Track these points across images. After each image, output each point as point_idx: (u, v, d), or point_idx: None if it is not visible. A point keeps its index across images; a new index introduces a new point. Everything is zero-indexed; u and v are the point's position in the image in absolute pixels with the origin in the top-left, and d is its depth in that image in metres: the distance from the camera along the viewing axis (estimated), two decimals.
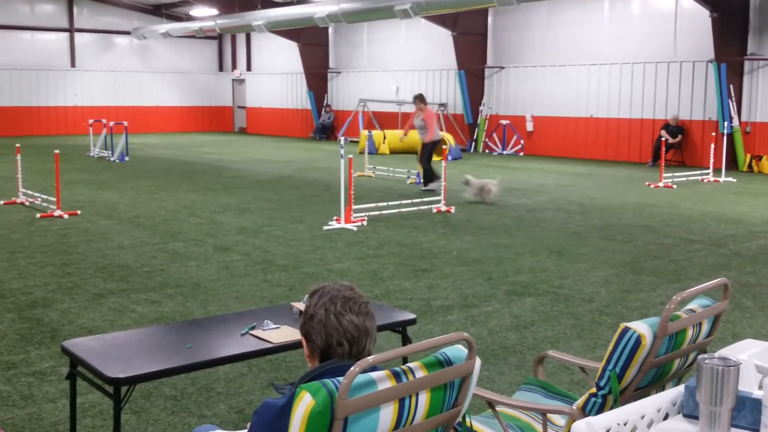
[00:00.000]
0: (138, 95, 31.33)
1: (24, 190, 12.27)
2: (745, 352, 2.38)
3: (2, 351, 5.32)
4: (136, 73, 31.38)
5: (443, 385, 2.25)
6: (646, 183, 15.20)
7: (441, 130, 23.42)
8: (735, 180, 15.78)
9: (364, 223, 10.32)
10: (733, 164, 17.71)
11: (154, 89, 31.78)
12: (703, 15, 17.77)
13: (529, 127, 22.47)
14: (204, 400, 4.51)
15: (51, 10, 29.44)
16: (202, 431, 2.75)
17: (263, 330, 3.80)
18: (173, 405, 4.44)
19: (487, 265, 8.00)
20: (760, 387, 2.21)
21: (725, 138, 16.64)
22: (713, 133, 17.29)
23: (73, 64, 29.95)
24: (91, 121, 22.87)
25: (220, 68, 34.08)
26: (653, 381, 2.91)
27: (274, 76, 31.34)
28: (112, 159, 19.45)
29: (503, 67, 23.05)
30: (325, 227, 10.02)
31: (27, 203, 11.90)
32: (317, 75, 28.78)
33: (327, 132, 28.28)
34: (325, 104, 28.77)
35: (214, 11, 27.82)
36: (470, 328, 5.88)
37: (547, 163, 19.85)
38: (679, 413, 2.23)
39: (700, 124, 18.92)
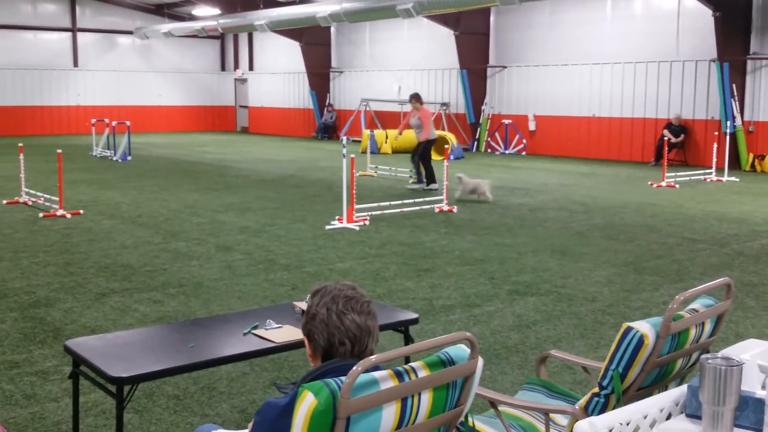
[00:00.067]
0: (140, 95, 31.36)
1: (27, 190, 12.28)
2: (748, 351, 2.38)
3: (5, 350, 5.32)
4: (139, 72, 31.40)
5: (446, 385, 2.25)
6: (649, 182, 15.18)
7: (443, 129, 23.55)
8: (738, 179, 15.76)
9: (367, 222, 10.32)
10: (735, 164, 17.69)
11: (156, 89, 31.80)
12: (706, 14, 17.75)
13: (532, 126, 22.46)
14: (206, 400, 4.51)
15: (53, 10, 29.47)
16: (204, 430, 2.75)
17: (265, 329, 3.80)
18: (176, 404, 4.45)
19: (489, 264, 8.00)
20: (763, 387, 2.21)
21: (728, 137, 16.62)
22: (716, 133, 17.27)
23: (75, 64, 29.98)
24: (93, 120, 22.87)
25: (223, 68, 34.09)
26: (656, 381, 2.91)
27: (277, 75, 31.35)
28: (114, 158, 19.46)
29: (505, 67, 23.04)
30: (328, 227, 10.03)
31: (30, 203, 11.91)
32: (319, 74, 28.79)
33: (329, 131, 28.29)
34: (327, 104, 28.78)
35: (217, 11, 27.84)
36: (472, 328, 5.88)
37: (550, 162, 19.84)
38: (681, 413, 2.23)
39: (702, 123, 18.90)
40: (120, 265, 7.88)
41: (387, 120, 26.30)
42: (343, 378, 2.01)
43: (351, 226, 10.02)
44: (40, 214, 10.89)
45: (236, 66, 33.55)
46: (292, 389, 2.18)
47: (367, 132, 22.11)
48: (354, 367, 2.00)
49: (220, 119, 33.73)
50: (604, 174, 16.97)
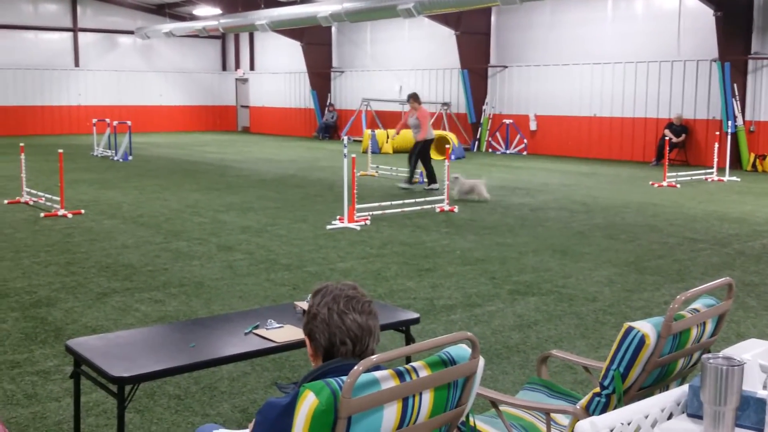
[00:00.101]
0: (141, 95, 31.37)
1: (28, 190, 12.29)
2: (750, 351, 2.38)
3: (6, 350, 5.33)
4: (140, 72, 31.41)
5: (447, 385, 2.25)
6: (650, 182, 15.18)
7: (445, 129, 23.54)
8: (739, 179, 15.75)
9: (368, 222, 10.32)
10: (736, 163, 17.69)
11: (157, 89, 31.82)
12: (707, 14, 17.74)
13: (533, 126, 22.45)
14: (207, 399, 4.52)
15: (54, 10, 29.48)
16: (205, 430, 2.75)
17: (267, 329, 3.80)
18: (177, 404, 4.45)
19: (490, 264, 8.00)
20: (765, 387, 2.21)
21: (729, 137, 16.61)
22: (717, 133, 17.26)
23: (76, 64, 30.00)
24: (94, 120, 22.88)
25: (224, 68, 34.10)
26: (657, 380, 2.91)
27: (278, 75, 31.35)
28: (115, 158, 19.47)
29: (506, 66, 23.03)
30: (329, 226, 10.03)
31: (31, 202, 11.92)
32: (320, 74, 28.79)
33: (330, 131, 28.29)
34: (328, 103, 28.78)
35: (218, 11, 27.85)
36: (473, 328, 5.88)
37: (551, 162, 19.84)
38: (683, 413, 2.23)
39: (703, 123, 18.89)
40: (121, 264, 7.89)
41: (388, 120, 26.29)
42: (344, 378, 2.01)
43: (352, 225, 10.03)
44: (42, 214, 10.89)
45: (237, 66, 33.55)
46: (293, 389, 2.18)
47: (368, 132, 22.11)
48: (355, 367, 2.00)
49: (221, 119, 33.73)
50: (605, 174, 16.96)
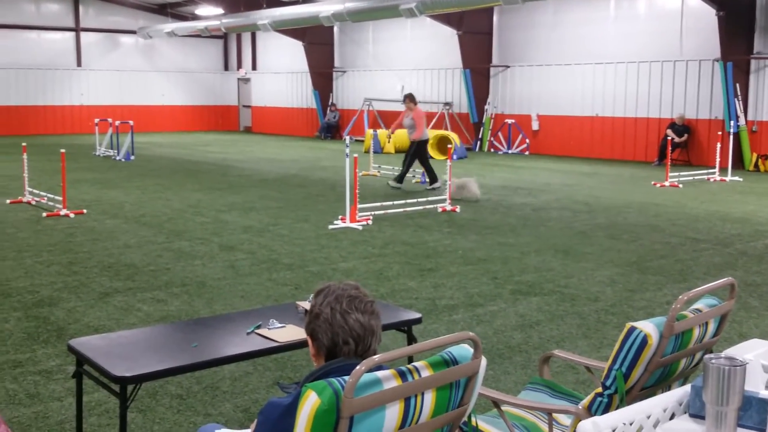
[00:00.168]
0: (143, 94, 31.39)
1: (30, 189, 12.30)
2: (752, 351, 2.38)
3: (9, 349, 5.33)
4: (142, 72, 31.43)
5: (449, 385, 2.25)
6: (652, 182, 15.17)
7: (446, 129, 23.53)
8: (741, 179, 15.74)
9: (370, 222, 10.32)
10: (739, 163, 17.66)
11: (159, 88, 31.83)
12: (710, 14, 17.73)
13: (535, 126, 22.44)
14: (209, 399, 4.52)
15: (57, 10, 29.51)
16: (207, 430, 2.75)
17: (269, 329, 3.80)
18: (179, 404, 4.45)
19: (492, 264, 8.00)
20: (767, 387, 2.21)
21: (731, 137, 16.59)
22: (719, 132, 17.25)
23: (79, 64, 30.02)
24: (96, 120, 22.90)
25: (226, 67, 34.11)
26: (659, 381, 2.91)
27: (279, 75, 31.36)
28: (117, 158, 19.48)
29: (508, 66, 23.03)
30: (331, 226, 10.03)
31: (33, 202, 11.93)
32: (322, 74, 28.79)
33: (332, 131, 28.30)
34: (330, 103, 28.78)
35: (220, 10, 27.85)
36: (475, 328, 5.88)
37: (553, 162, 19.83)
38: (685, 413, 2.23)
39: (706, 123, 18.87)
40: (123, 264, 7.89)
41: (390, 119, 26.27)
42: (346, 377, 2.01)
43: (354, 225, 10.03)
44: (44, 214, 10.90)
45: (239, 66, 33.56)
46: (295, 389, 2.19)
47: (370, 132, 22.11)
48: (357, 367, 2.00)
49: (223, 119, 33.75)
50: (607, 174, 16.96)
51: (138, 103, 31.11)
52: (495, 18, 23.25)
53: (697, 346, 2.95)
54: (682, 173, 16.09)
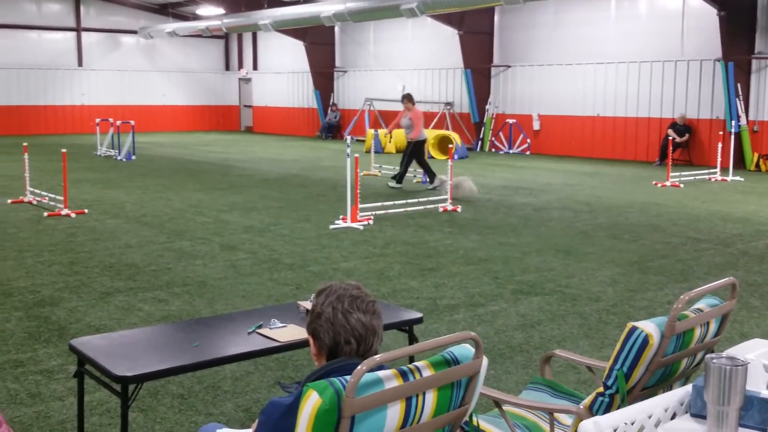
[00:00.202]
0: (145, 94, 31.40)
1: (31, 189, 12.30)
2: (753, 351, 2.37)
3: (10, 349, 5.34)
4: (143, 72, 31.44)
5: (450, 384, 2.25)
6: (653, 182, 15.16)
7: (448, 129, 23.53)
8: (742, 179, 15.73)
9: (371, 222, 10.32)
10: (740, 163, 17.66)
11: (160, 88, 31.84)
12: (711, 13, 17.72)
13: (536, 126, 22.44)
14: (211, 399, 4.52)
15: (58, 10, 29.52)
16: (208, 429, 2.75)
17: (270, 329, 3.80)
18: (180, 403, 4.45)
19: (493, 264, 8.00)
20: None
21: (733, 137, 16.59)
22: (720, 132, 17.23)
23: (80, 64, 30.04)
24: (98, 120, 22.92)
25: (227, 67, 34.12)
26: (661, 380, 2.91)
27: (281, 75, 31.37)
28: (119, 158, 19.49)
29: (510, 66, 23.02)
30: (332, 226, 10.03)
31: (34, 202, 11.93)
32: (323, 74, 28.79)
33: (333, 131, 28.30)
34: (331, 103, 28.79)
35: (221, 10, 27.86)
36: (477, 327, 5.88)
37: (554, 162, 19.82)
38: (686, 413, 2.23)
39: (707, 123, 18.87)
40: (124, 264, 7.90)
41: (391, 119, 26.23)
42: (347, 377, 2.01)
43: (355, 225, 10.03)
44: (45, 214, 10.91)
45: (240, 65, 33.57)
46: (296, 388, 2.19)
47: (371, 131, 22.11)
48: (359, 367, 2.00)
49: (224, 119, 33.76)
50: (608, 173, 16.95)
51: (139, 103, 31.12)
52: (496, 18, 23.24)
53: (699, 345, 2.95)
54: (683, 173, 16.09)
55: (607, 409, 2.77)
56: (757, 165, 17.70)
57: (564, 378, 4.82)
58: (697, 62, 18.84)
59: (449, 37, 23.62)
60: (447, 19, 22.54)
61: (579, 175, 16.66)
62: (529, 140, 22.58)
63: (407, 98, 14.16)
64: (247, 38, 33.04)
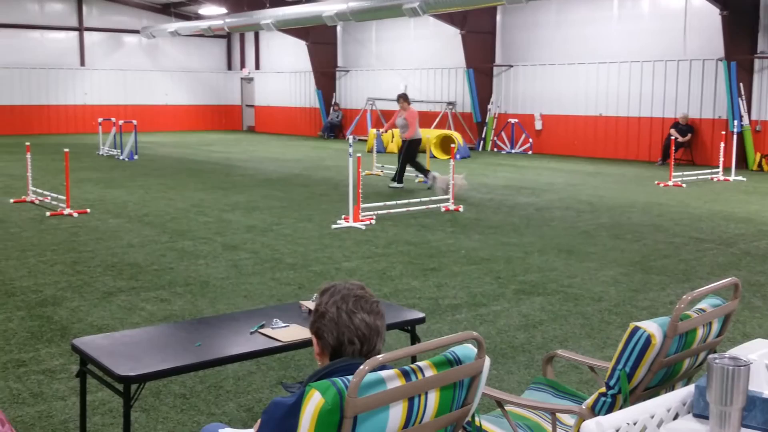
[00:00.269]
0: (147, 94, 31.42)
1: (34, 189, 12.32)
2: (756, 351, 2.37)
3: (12, 349, 5.34)
4: (145, 71, 31.46)
5: (452, 384, 2.25)
6: (656, 182, 15.15)
7: (450, 128, 23.52)
8: (745, 179, 15.71)
9: (373, 221, 10.32)
10: (742, 163, 17.63)
11: (163, 88, 31.86)
12: (713, 13, 17.70)
13: (538, 125, 22.43)
14: (213, 399, 4.52)
15: (60, 9, 29.55)
16: (210, 429, 2.75)
17: (272, 328, 3.80)
18: (182, 403, 4.46)
19: (495, 264, 7.99)
20: None
21: (735, 137, 16.57)
22: (723, 132, 17.22)
23: (82, 63, 30.06)
24: (100, 119, 22.95)
25: (229, 67, 34.13)
26: (663, 381, 2.91)
27: (283, 74, 31.37)
28: (121, 157, 19.51)
29: (512, 66, 23.01)
30: (334, 226, 10.03)
31: (37, 201, 11.95)
32: (326, 73, 28.80)
33: (335, 131, 28.30)
34: (333, 103, 28.79)
35: (223, 10, 27.88)
36: (479, 327, 5.88)
37: (556, 161, 19.81)
38: (689, 413, 2.22)
39: (709, 122, 18.85)
40: (127, 263, 7.90)
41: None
42: (350, 377, 2.01)
43: (357, 225, 10.03)
44: (47, 213, 10.92)
45: (242, 65, 33.58)
46: (298, 388, 2.19)
47: (373, 131, 22.08)
48: (361, 366, 2.00)
49: (226, 118, 33.77)
50: (610, 173, 16.94)
51: (141, 103, 31.14)
52: (498, 17, 23.23)
53: (701, 346, 2.95)
54: (685, 173, 16.07)
55: (610, 410, 2.77)
56: (760, 165, 17.68)
57: (566, 378, 4.82)
58: (699, 62, 18.82)
59: (451, 36, 23.61)
60: (449, 18, 22.54)
61: (581, 174, 16.65)
62: (531, 140, 22.56)
63: (402, 98, 14.24)
64: (250, 38, 33.05)
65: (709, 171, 16.30)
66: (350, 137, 10.93)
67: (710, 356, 2.03)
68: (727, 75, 17.65)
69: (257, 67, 32.91)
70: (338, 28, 28.39)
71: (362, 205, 10.48)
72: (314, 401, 1.97)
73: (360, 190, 10.42)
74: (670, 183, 14.76)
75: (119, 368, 3.28)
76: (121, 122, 20.75)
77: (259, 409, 4.35)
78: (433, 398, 2.20)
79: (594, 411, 2.81)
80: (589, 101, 21.21)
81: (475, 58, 23.10)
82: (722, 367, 1.98)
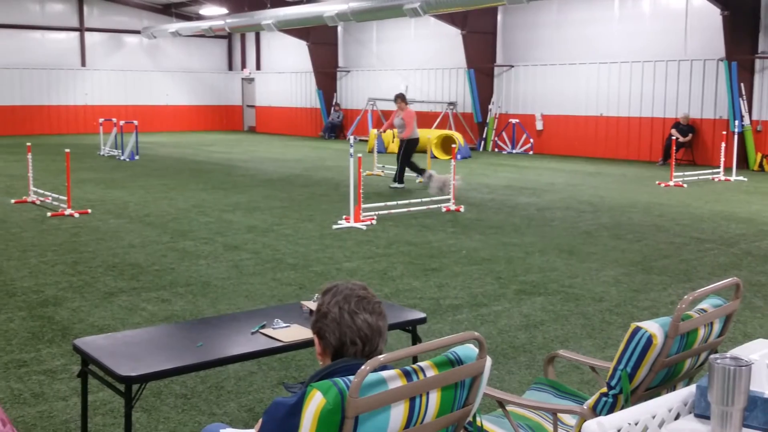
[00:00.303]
0: (148, 94, 31.43)
1: (35, 189, 12.32)
2: (757, 351, 2.37)
3: (14, 349, 5.35)
4: (146, 72, 31.47)
5: (454, 385, 2.25)
6: (657, 182, 15.15)
7: (451, 129, 23.52)
8: (746, 179, 15.71)
9: (374, 222, 10.32)
10: (743, 163, 17.63)
11: (163, 88, 31.87)
12: (714, 13, 17.70)
13: (539, 125, 22.42)
14: (214, 399, 4.52)
15: (61, 10, 29.56)
16: (211, 429, 2.75)
17: (273, 329, 3.80)
18: (183, 403, 4.46)
19: (496, 264, 7.99)
20: None
21: (736, 137, 16.56)
22: (724, 132, 17.21)
23: (83, 64, 30.07)
24: (101, 120, 22.95)
25: (230, 67, 34.14)
26: (664, 381, 2.91)
27: (284, 75, 31.38)
28: (122, 158, 19.51)
29: (513, 66, 23.01)
30: (335, 226, 10.03)
31: (38, 202, 11.95)
32: (326, 74, 28.80)
33: (336, 131, 28.31)
34: (334, 103, 28.79)
35: (224, 10, 27.88)
36: (480, 328, 5.87)
37: (557, 162, 19.81)
38: (690, 413, 2.22)
39: (710, 122, 18.84)
40: (128, 264, 7.91)
41: None
42: (351, 377, 2.01)
43: (358, 225, 10.03)
44: (48, 214, 10.92)
45: (243, 65, 33.59)
46: (300, 388, 2.19)
47: (374, 131, 22.08)
48: (362, 367, 2.00)
49: (227, 119, 33.78)
50: (611, 173, 16.93)
51: (142, 103, 31.16)
52: (499, 17, 23.23)
53: (702, 346, 2.94)
54: (686, 173, 16.07)
55: (611, 410, 2.77)
56: (761, 165, 17.67)
57: (567, 378, 4.82)
58: (700, 62, 18.82)
59: (452, 36, 23.61)
60: (450, 18, 22.54)
61: (582, 175, 16.65)
62: (532, 140, 22.56)
63: (400, 98, 14.28)
64: (250, 38, 33.06)
65: (710, 171, 16.29)
66: (351, 137, 10.93)
67: (711, 356, 2.03)
68: (728, 75, 17.64)
69: (258, 67, 32.92)
70: (339, 29, 28.39)
71: (363, 206, 10.49)
72: (316, 401, 1.97)
73: (361, 191, 10.42)
74: (671, 183, 14.76)
75: (120, 368, 3.28)
76: (122, 122, 20.76)
77: (260, 410, 4.35)
78: (434, 398, 2.20)
79: (595, 411, 2.81)
80: (589, 101, 21.21)
81: (476, 58, 23.10)
82: (723, 367, 1.98)
